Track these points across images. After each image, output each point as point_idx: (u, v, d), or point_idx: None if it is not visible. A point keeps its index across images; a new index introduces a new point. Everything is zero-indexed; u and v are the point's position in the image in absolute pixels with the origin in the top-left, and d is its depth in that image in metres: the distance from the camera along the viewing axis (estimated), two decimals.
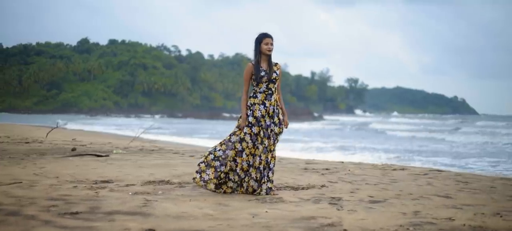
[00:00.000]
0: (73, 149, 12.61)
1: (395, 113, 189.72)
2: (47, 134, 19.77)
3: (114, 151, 12.50)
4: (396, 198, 6.60)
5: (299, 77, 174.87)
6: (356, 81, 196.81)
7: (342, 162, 12.53)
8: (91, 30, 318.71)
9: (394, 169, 10.31)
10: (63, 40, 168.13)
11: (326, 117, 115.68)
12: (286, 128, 6.79)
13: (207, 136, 35.53)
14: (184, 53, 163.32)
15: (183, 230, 4.77)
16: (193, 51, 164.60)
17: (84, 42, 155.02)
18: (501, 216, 5.53)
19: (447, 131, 44.96)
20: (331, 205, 6.03)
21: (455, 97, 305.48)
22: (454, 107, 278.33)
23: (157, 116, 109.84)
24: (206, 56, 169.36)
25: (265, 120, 6.62)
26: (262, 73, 6.63)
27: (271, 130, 6.63)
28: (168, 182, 7.64)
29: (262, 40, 6.67)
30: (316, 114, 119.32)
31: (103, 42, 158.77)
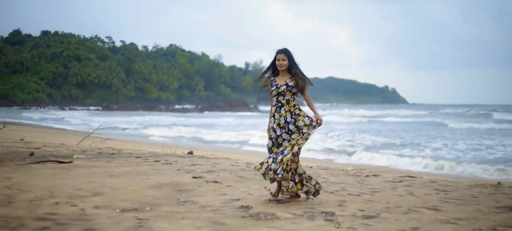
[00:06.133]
0: (31, 154, 12.23)
1: (333, 103, 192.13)
2: None
3: (75, 156, 12.19)
4: (387, 211, 6.63)
5: (233, 68, 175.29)
6: None
7: (311, 167, 12.47)
8: (23, 21, 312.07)
9: (367, 176, 10.39)
10: None
11: (261, 108, 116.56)
12: (319, 124, 7.03)
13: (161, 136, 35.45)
14: (118, 44, 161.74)
15: None
16: (127, 42, 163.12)
17: (16, 33, 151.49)
18: None
19: None
20: (327, 222, 6.00)
21: (386, 86, 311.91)
22: (385, 97, 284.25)
23: (92, 108, 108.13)
24: (140, 47, 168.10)
25: (275, 131, 7.11)
26: (273, 88, 7.23)
27: (283, 139, 7.05)
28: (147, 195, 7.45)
29: (275, 56, 7.30)
30: (251, 105, 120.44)
31: (36, 33, 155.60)
